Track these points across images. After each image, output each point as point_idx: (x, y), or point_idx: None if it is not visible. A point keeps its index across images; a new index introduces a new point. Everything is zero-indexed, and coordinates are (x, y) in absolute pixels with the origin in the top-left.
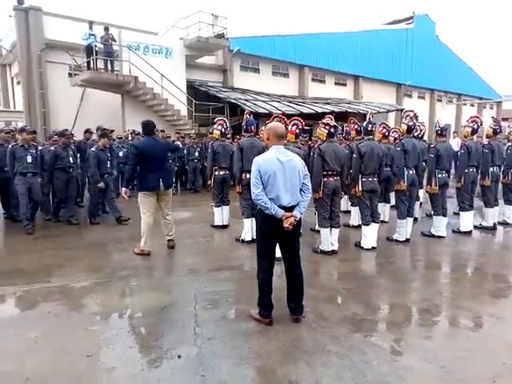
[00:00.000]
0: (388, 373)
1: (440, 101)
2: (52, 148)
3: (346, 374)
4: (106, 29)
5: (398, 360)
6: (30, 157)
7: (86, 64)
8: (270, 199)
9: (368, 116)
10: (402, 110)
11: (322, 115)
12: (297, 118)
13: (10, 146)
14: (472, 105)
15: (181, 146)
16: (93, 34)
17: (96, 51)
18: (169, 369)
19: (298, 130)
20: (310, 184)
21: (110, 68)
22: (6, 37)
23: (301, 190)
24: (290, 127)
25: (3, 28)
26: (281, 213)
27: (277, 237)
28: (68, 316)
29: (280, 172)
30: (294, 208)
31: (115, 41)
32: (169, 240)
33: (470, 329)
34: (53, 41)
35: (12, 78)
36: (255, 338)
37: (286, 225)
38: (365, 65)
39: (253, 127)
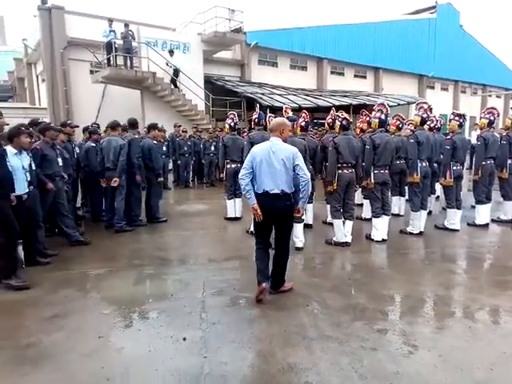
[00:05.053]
0: (385, 359)
1: (464, 92)
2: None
3: (344, 359)
4: (126, 25)
5: (396, 347)
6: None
7: (106, 61)
8: (257, 183)
9: (375, 107)
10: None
11: (340, 108)
12: (304, 111)
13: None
14: (498, 96)
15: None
16: (113, 31)
17: (116, 48)
18: (173, 350)
19: (303, 123)
20: (305, 175)
21: (129, 64)
22: (31, 36)
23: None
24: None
25: (29, 28)
26: (252, 202)
27: (266, 221)
28: (84, 300)
29: (266, 160)
30: (278, 196)
31: (134, 38)
32: None
33: (472, 319)
34: (75, 38)
35: (37, 76)
36: (258, 323)
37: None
38: (385, 56)
39: (263, 121)
